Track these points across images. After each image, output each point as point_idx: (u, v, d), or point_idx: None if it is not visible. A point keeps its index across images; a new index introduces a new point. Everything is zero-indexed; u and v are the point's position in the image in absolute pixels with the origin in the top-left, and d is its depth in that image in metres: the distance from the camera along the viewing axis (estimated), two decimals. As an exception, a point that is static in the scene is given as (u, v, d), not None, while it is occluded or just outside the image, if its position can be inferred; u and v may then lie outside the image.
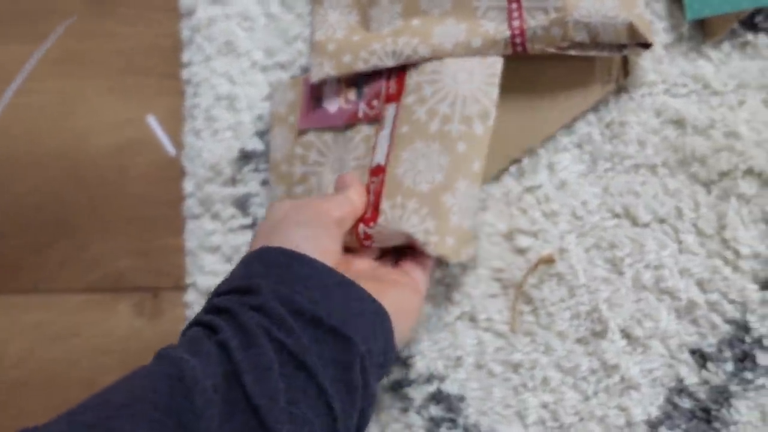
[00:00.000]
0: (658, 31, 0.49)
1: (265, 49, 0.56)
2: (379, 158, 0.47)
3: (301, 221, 0.41)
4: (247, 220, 0.55)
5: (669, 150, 0.48)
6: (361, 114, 0.49)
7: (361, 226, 0.45)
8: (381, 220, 0.45)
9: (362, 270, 0.45)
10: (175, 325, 0.57)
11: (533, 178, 0.49)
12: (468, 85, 0.45)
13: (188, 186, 0.57)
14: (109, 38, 0.61)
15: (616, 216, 0.48)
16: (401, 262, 0.46)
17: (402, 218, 0.44)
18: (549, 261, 0.48)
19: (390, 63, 0.48)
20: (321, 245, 0.40)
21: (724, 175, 0.46)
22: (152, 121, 0.59)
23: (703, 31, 0.48)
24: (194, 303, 0.56)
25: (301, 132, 0.51)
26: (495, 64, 0.45)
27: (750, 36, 0.47)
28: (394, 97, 0.48)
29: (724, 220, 0.46)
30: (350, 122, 0.50)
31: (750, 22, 0.48)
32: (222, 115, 0.56)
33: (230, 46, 0.56)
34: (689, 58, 0.48)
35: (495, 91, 0.45)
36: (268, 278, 0.36)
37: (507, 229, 0.49)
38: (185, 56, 0.58)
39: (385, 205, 0.45)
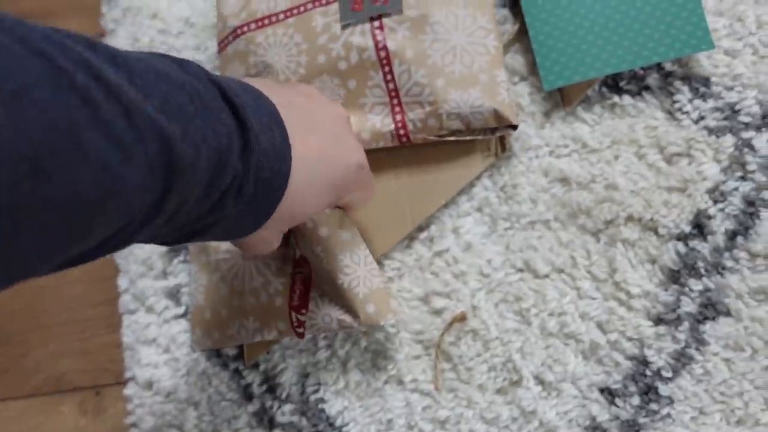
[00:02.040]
0: (537, 101, 0.54)
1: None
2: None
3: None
4: (180, 310, 0.57)
5: (558, 205, 0.52)
6: None
7: (293, 314, 0.50)
8: (312, 306, 0.49)
9: None
10: (119, 420, 0.58)
11: (441, 243, 0.53)
12: None
13: (123, 283, 0.59)
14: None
15: (519, 270, 0.52)
16: None
17: (327, 303, 0.49)
18: (462, 319, 0.51)
19: None
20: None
21: (608, 223, 0.51)
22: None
23: (561, 100, 0.54)
24: (135, 396, 0.57)
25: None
26: None
27: (616, 98, 0.53)
28: None
29: (614, 265, 0.50)
30: None
31: (615, 86, 0.53)
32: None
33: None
34: (567, 122, 0.54)
35: None
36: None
37: (423, 293, 0.53)
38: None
39: (314, 293, 0.50)
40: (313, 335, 0.53)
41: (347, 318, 0.48)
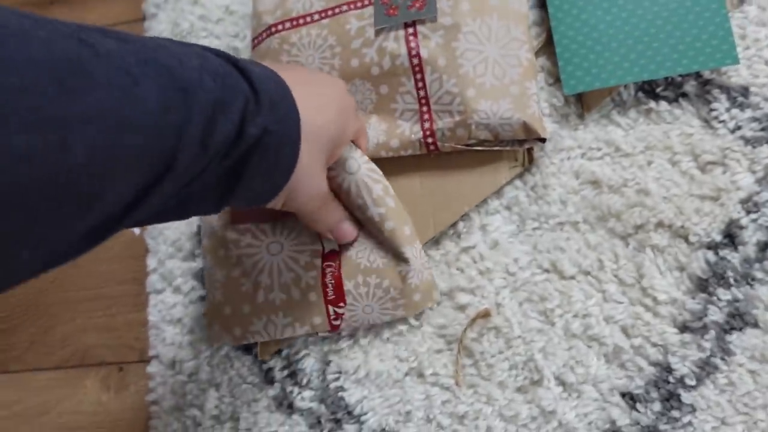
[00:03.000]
0: (572, 103, 0.54)
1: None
2: (333, 244, 0.52)
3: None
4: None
5: (588, 208, 0.52)
6: None
7: (330, 307, 0.51)
8: (349, 299, 0.51)
9: None
10: (140, 397, 0.59)
11: (468, 240, 0.53)
12: (359, 172, 0.50)
13: (151, 262, 0.60)
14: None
15: (545, 271, 0.52)
16: None
17: (368, 294, 0.51)
18: (486, 315, 0.51)
19: None
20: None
21: (638, 228, 0.51)
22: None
23: (581, 105, 0.54)
24: (158, 374, 0.58)
25: (235, 220, 0.54)
26: (355, 148, 0.50)
27: (653, 104, 0.53)
28: None
29: (642, 270, 0.50)
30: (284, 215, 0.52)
31: (652, 91, 0.53)
32: (182, 195, 0.60)
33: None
34: (601, 125, 0.54)
35: (376, 168, 0.51)
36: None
37: (448, 288, 0.53)
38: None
39: (348, 285, 0.51)
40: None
41: (390, 306, 0.51)
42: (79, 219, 0.28)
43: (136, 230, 0.62)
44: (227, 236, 0.53)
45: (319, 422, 0.53)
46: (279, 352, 0.55)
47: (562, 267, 0.51)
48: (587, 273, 0.51)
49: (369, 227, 0.51)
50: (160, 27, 0.66)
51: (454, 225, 0.54)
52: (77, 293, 0.63)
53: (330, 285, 0.51)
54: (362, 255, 0.51)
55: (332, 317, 0.51)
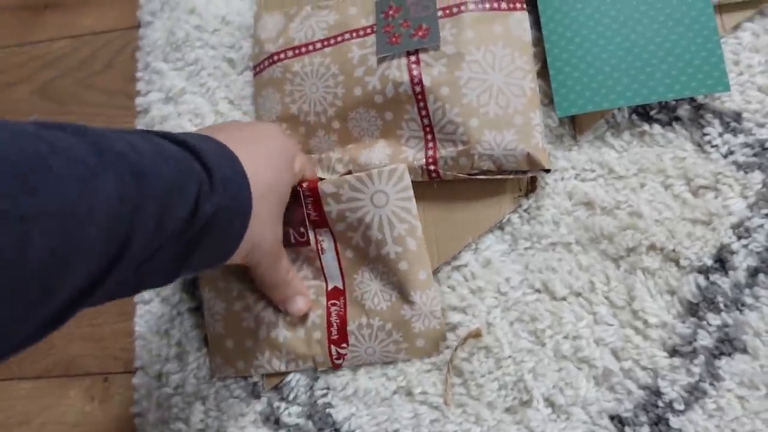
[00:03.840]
0: (566, 123, 0.54)
1: (213, 143, 0.60)
2: (336, 281, 0.52)
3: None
4: (194, 303, 0.57)
5: (581, 229, 0.52)
6: (293, 240, 0.53)
7: (333, 347, 0.51)
8: (352, 340, 0.51)
9: None
10: (125, 408, 0.59)
11: (460, 258, 0.53)
12: (387, 206, 0.50)
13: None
14: (69, 135, 0.65)
15: (537, 291, 0.52)
16: None
17: (371, 336, 0.51)
18: (477, 335, 0.51)
19: (325, 175, 0.54)
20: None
21: (630, 250, 0.51)
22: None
23: (573, 127, 0.54)
24: (143, 386, 0.57)
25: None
26: (403, 175, 0.50)
27: (646, 126, 0.53)
28: (320, 223, 0.52)
29: (633, 293, 0.50)
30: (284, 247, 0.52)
31: (646, 114, 0.53)
32: (173, 205, 0.60)
33: (181, 141, 0.61)
34: (595, 146, 0.54)
35: (413, 206, 0.50)
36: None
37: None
38: (139, 151, 0.62)
39: (352, 326, 0.51)
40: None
41: (392, 349, 0.51)
42: (36, 310, 0.29)
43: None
44: (227, 269, 0.52)
45: (306, 439, 0.53)
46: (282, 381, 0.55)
47: (553, 288, 0.51)
48: (578, 294, 0.51)
49: (380, 266, 0.51)
50: (155, 35, 0.65)
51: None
52: (63, 302, 0.62)
53: (335, 324, 0.51)
54: (367, 297, 0.51)
55: (335, 357, 0.51)
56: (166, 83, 0.63)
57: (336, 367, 0.52)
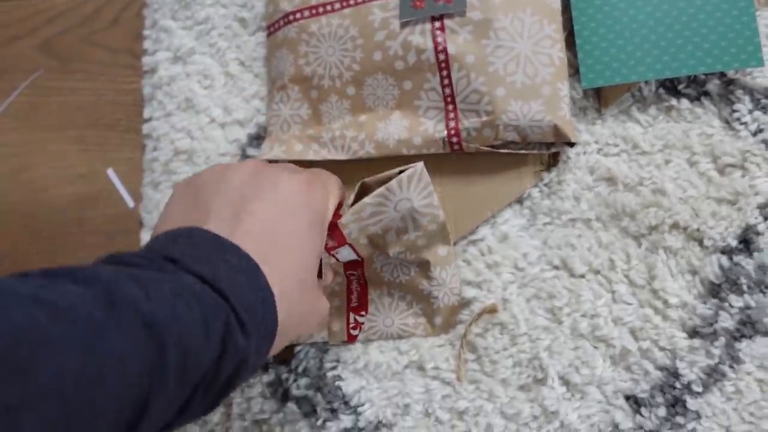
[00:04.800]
0: (591, 96, 0.52)
1: (223, 106, 0.58)
2: (349, 255, 0.48)
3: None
4: None
5: (602, 205, 0.51)
6: None
7: (352, 315, 0.49)
8: (372, 309, 0.49)
9: None
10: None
11: (477, 232, 0.52)
12: (411, 208, 0.46)
13: (146, 237, 0.58)
14: (73, 93, 0.63)
15: (555, 267, 0.51)
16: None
17: (391, 305, 0.49)
18: (492, 311, 0.50)
19: (340, 156, 0.51)
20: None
21: (652, 228, 0.49)
22: (112, 174, 0.61)
23: (598, 100, 0.52)
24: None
25: None
26: (422, 174, 0.46)
27: (674, 101, 0.51)
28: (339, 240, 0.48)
29: (653, 272, 0.49)
30: None
31: (674, 88, 0.52)
32: (181, 168, 0.58)
33: (190, 103, 0.59)
34: (619, 120, 0.52)
35: (435, 198, 0.47)
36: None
37: (453, 280, 0.52)
38: (146, 112, 0.60)
39: (373, 294, 0.49)
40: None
41: (410, 322, 0.49)
42: None
43: (131, 203, 0.60)
44: None
45: (315, 411, 0.52)
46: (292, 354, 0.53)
47: (572, 264, 0.50)
48: (597, 272, 0.50)
49: (398, 245, 0.48)
50: (163, -8, 0.63)
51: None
52: (66, 263, 0.60)
53: (355, 292, 0.50)
54: (386, 270, 0.50)
55: (351, 325, 0.50)
56: (174, 42, 0.60)
57: (350, 340, 0.50)
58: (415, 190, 0.46)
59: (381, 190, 0.45)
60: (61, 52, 0.64)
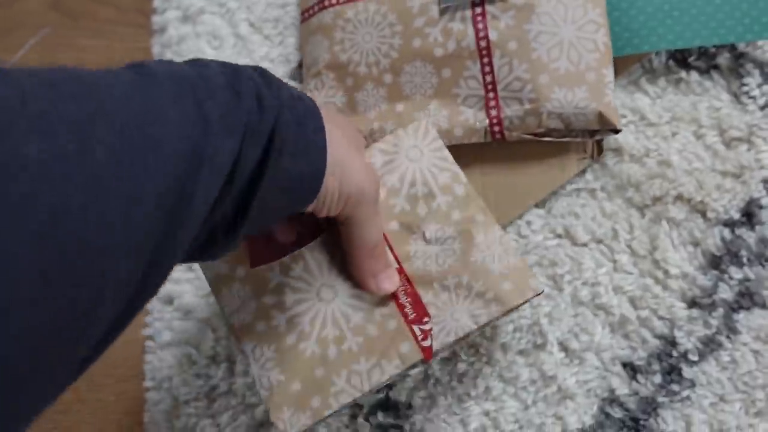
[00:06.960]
0: (600, 65, 0.52)
1: (232, 67, 0.58)
2: (390, 261, 0.44)
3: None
4: (191, 275, 0.57)
5: (607, 176, 0.51)
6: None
7: (415, 327, 0.43)
8: (432, 311, 0.43)
9: None
10: (135, 330, 0.58)
11: (482, 198, 0.52)
12: (423, 159, 0.45)
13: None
14: (82, 51, 0.63)
15: (558, 236, 0.51)
16: None
17: (451, 298, 0.43)
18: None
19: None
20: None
21: (656, 199, 0.50)
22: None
23: None
24: (154, 309, 0.57)
25: (261, 280, 0.44)
26: (428, 128, 0.45)
27: (683, 73, 0.51)
28: None
29: (656, 242, 0.49)
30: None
31: (683, 61, 0.51)
32: (189, 129, 0.58)
33: (199, 64, 0.59)
34: (628, 91, 0.52)
35: (448, 154, 0.45)
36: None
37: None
38: (155, 71, 0.60)
39: (426, 297, 0.44)
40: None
41: (480, 304, 0.43)
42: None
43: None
44: (265, 302, 0.44)
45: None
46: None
47: (575, 233, 0.51)
48: (600, 241, 0.50)
49: (432, 225, 0.44)
50: (174, -50, 0.62)
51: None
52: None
53: (407, 304, 0.44)
54: (430, 262, 0.44)
55: (420, 337, 0.43)
56: (184, 1, 0.60)
57: (427, 355, 0.43)
58: (423, 141, 0.45)
59: (387, 136, 0.45)
60: (70, 9, 0.64)
